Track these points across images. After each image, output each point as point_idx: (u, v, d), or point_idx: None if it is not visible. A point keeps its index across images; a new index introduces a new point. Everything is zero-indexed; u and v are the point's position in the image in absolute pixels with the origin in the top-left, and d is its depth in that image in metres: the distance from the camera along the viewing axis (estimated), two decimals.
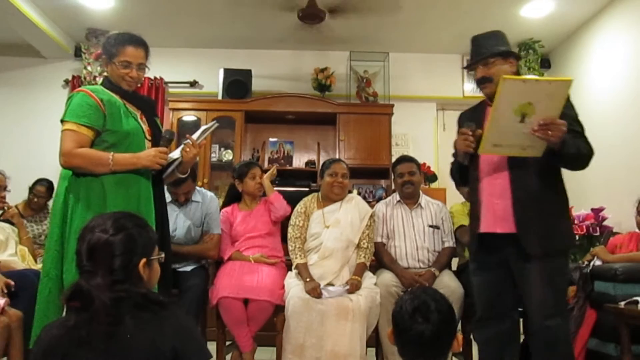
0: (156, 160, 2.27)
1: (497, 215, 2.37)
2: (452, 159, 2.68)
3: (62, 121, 2.26)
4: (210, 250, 3.35)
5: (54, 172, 4.75)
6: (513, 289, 2.41)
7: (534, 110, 2.13)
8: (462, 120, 2.61)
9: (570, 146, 2.24)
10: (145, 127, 2.38)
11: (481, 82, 2.46)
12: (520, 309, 2.54)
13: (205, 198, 3.45)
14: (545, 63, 5.67)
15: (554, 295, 2.30)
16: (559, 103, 2.15)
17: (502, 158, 2.38)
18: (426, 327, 1.44)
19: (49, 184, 4.38)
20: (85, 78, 5.34)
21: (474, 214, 2.50)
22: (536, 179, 2.35)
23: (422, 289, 1.57)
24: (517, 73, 2.52)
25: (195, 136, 2.52)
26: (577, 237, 4.17)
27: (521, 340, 3.09)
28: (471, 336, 2.81)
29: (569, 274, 2.46)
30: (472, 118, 2.54)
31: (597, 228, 4.05)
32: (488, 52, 2.41)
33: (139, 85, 2.46)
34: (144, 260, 1.46)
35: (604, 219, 4.08)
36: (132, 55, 2.33)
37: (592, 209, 4.14)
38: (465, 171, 2.57)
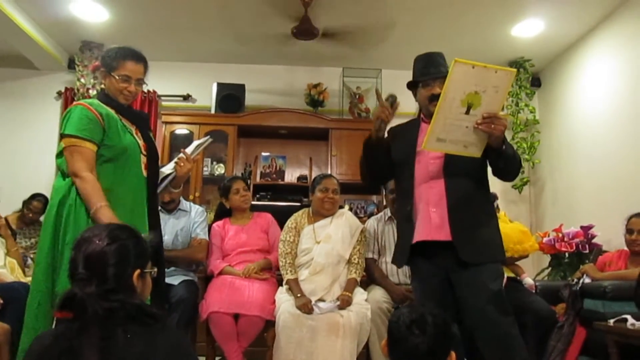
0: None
1: (434, 223, 2.37)
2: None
3: (62, 135, 2.24)
4: (198, 253, 3.35)
5: (45, 183, 4.78)
6: (451, 297, 2.38)
7: (480, 102, 2.17)
8: (392, 133, 2.61)
9: (509, 146, 2.32)
10: (140, 142, 2.38)
11: (436, 99, 2.32)
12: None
13: (194, 209, 3.51)
14: (535, 82, 5.74)
15: (494, 299, 2.28)
16: (502, 96, 2.20)
17: (438, 167, 2.40)
18: (422, 340, 1.43)
19: (45, 200, 4.35)
20: (78, 90, 5.33)
21: (406, 219, 2.46)
22: (470, 186, 2.39)
23: (421, 303, 1.57)
24: None
25: (189, 150, 2.52)
26: (566, 254, 4.21)
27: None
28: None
29: (502, 277, 2.45)
30: (404, 134, 2.56)
31: (587, 245, 4.08)
32: (446, 70, 2.41)
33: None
34: (138, 271, 1.46)
35: (593, 236, 4.12)
36: (132, 70, 2.33)
37: (582, 227, 4.17)
38: (374, 150, 2.52)
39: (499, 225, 2.50)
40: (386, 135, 2.56)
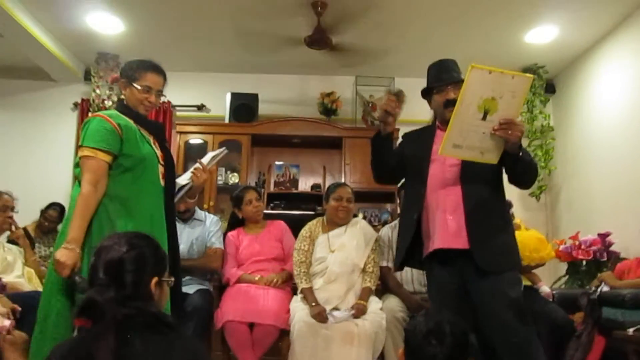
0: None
1: (450, 231, 2.35)
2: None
3: (80, 147, 2.28)
4: (213, 262, 3.37)
5: (62, 194, 4.83)
6: (469, 307, 2.36)
7: (497, 107, 2.16)
8: (406, 138, 2.62)
9: (525, 153, 2.31)
10: (158, 152, 2.41)
11: (451, 105, 2.36)
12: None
13: (209, 218, 3.53)
14: (550, 88, 5.70)
15: (514, 307, 2.26)
16: (519, 102, 2.19)
17: (455, 174, 2.38)
18: (440, 350, 1.41)
19: (61, 209, 4.41)
20: (94, 101, 5.39)
21: (408, 225, 2.46)
22: (487, 193, 2.37)
23: (438, 310, 1.55)
24: None
25: (205, 161, 2.54)
26: (583, 262, 4.15)
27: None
28: None
29: (520, 284, 2.44)
30: (418, 140, 2.56)
31: (604, 253, 4.03)
32: (459, 76, 2.44)
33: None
34: (155, 279, 1.49)
35: (610, 244, 4.06)
36: (153, 82, 2.39)
37: (599, 234, 4.12)
38: (381, 148, 2.51)
39: (514, 232, 2.48)
40: (400, 139, 2.57)
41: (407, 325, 1.55)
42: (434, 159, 2.45)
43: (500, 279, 2.28)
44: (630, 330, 2.78)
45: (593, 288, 3.36)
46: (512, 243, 2.41)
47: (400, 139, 2.71)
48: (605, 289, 3.26)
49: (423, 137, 2.57)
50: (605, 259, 4.00)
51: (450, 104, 2.39)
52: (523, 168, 2.33)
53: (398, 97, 2.41)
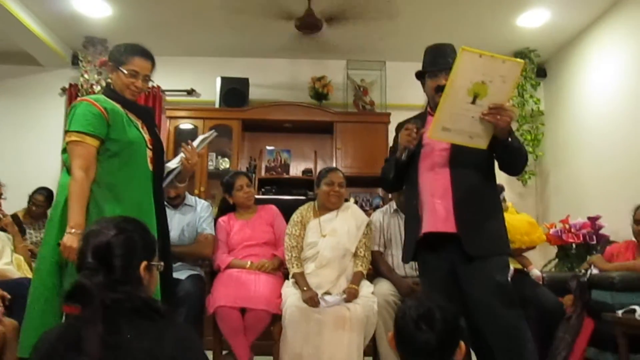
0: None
1: (439, 215, 2.36)
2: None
3: (67, 132, 2.25)
4: (205, 249, 3.35)
5: (51, 179, 4.77)
6: (459, 292, 2.37)
7: (486, 92, 2.15)
8: (400, 129, 2.61)
9: (515, 139, 2.30)
10: (147, 136, 2.39)
11: (442, 90, 2.32)
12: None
13: (199, 204, 3.50)
14: (541, 72, 5.70)
15: (500, 291, 2.27)
16: (509, 87, 2.17)
17: (444, 158, 2.38)
18: (431, 336, 1.41)
19: (48, 193, 4.38)
20: (82, 86, 5.34)
21: (413, 214, 2.48)
22: (476, 178, 2.37)
23: (427, 295, 1.53)
24: None
25: (194, 144, 2.52)
26: (573, 245, 4.18)
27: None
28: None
29: (508, 269, 2.46)
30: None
31: (594, 237, 4.06)
32: (453, 62, 2.41)
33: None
34: (144, 263, 1.48)
35: (600, 227, 4.09)
36: (140, 66, 2.36)
37: (589, 218, 4.15)
38: (402, 170, 2.53)
39: (504, 217, 2.49)
40: (394, 133, 2.58)
41: (397, 311, 1.54)
42: (425, 143, 2.44)
43: (486, 263, 2.29)
44: (619, 313, 2.81)
45: (583, 271, 3.39)
46: (500, 228, 2.41)
47: (394, 133, 2.71)
48: (595, 272, 3.30)
49: (416, 123, 2.55)
50: (595, 242, 4.03)
51: (441, 89, 2.36)
52: (512, 154, 2.33)
53: (418, 130, 2.39)
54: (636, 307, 2.77)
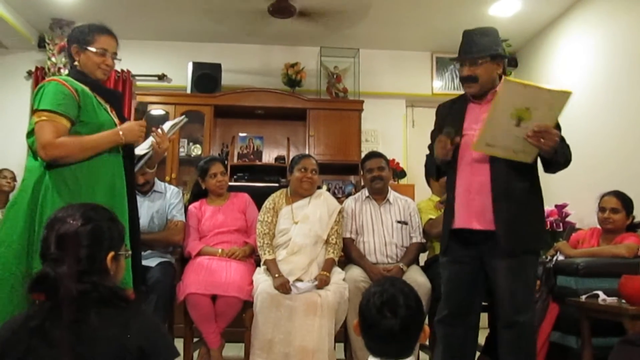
0: (140, 134, 2.31)
1: (473, 211, 2.36)
2: (427, 152, 2.65)
3: (35, 111, 2.16)
4: (175, 235, 3.31)
5: (16, 165, 4.67)
6: (482, 285, 2.44)
7: (531, 116, 2.16)
8: (440, 113, 2.61)
9: (560, 155, 2.29)
10: (116, 120, 2.34)
11: (466, 81, 2.42)
12: (484, 303, 2.56)
13: (169, 190, 3.45)
14: (512, 62, 5.76)
15: (524, 292, 2.34)
16: (555, 113, 2.19)
17: (483, 154, 2.36)
18: (395, 322, 1.42)
19: (11, 175, 4.29)
20: (49, 69, 5.20)
21: (449, 208, 2.49)
22: (516, 177, 2.35)
23: (390, 281, 1.54)
24: (503, 74, 2.50)
25: (165, 128, 2.49)
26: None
27: (487, 333, 3.15)
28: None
29: (537, 270, 2.51)
30: (451, 112, 2.54)
31: (561, 224, 4.15)
32: (477, 53, 2.38)
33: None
34: (112, 253, 1.44)
35: (567, 215, 4.18)
36: (108, 44, 2.33)
37: (556, 205, 4.23)
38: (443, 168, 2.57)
39: (543, 214, 2.51)
40: (435, 117, 2.62)
41: (361, 299, 1.54)
42: (464, 134, 2.41)
43: (518, 260, 2.32)
44: (583, 297, 2.89)
45: (549, 257, 3.46)
46: (537, 227, 2.43)
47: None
48: (561, 258, 3.36)
49: (455, 110, 2.53)
50: (561, 229, 4.11)
51: (464, 80, 2.41)
52: (554, 168, 2.36)
53: (452, 140, 2.36)
54: (599, 292, 2.84)
